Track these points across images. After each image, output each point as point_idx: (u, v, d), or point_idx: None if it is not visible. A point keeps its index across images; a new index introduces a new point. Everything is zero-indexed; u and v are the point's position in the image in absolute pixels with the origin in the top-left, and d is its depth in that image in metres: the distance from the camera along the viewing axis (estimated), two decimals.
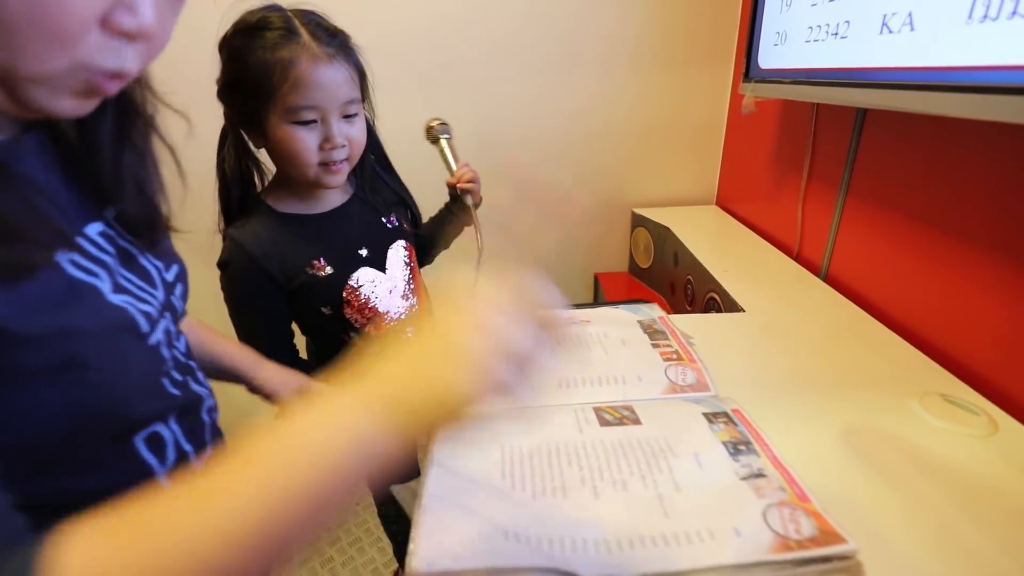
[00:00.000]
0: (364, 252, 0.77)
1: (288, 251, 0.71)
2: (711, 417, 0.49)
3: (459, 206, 0.88)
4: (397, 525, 1.10)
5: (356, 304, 0.77)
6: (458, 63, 1.26)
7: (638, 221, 1.36)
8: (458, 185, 0.84)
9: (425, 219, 0.93)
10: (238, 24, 0.66)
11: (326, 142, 0.67)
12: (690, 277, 1.05)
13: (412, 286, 0.86)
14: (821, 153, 0.92)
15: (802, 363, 0.67)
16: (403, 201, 0.86)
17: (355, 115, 0.69)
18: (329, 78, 0.65)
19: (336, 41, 0.67)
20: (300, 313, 0.77)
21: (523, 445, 0.46)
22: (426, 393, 0.28)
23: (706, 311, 0.96)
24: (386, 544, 1.46)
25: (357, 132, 0.70)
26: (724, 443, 0.46)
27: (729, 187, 1.33)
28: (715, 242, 1.12)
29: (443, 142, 0.87)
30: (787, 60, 0.80)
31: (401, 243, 0.83)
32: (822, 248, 0.91)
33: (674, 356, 0.62)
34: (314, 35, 0.65)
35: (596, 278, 1.47)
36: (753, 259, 1.02)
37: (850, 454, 0.51)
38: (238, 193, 0.73)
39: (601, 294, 1.42)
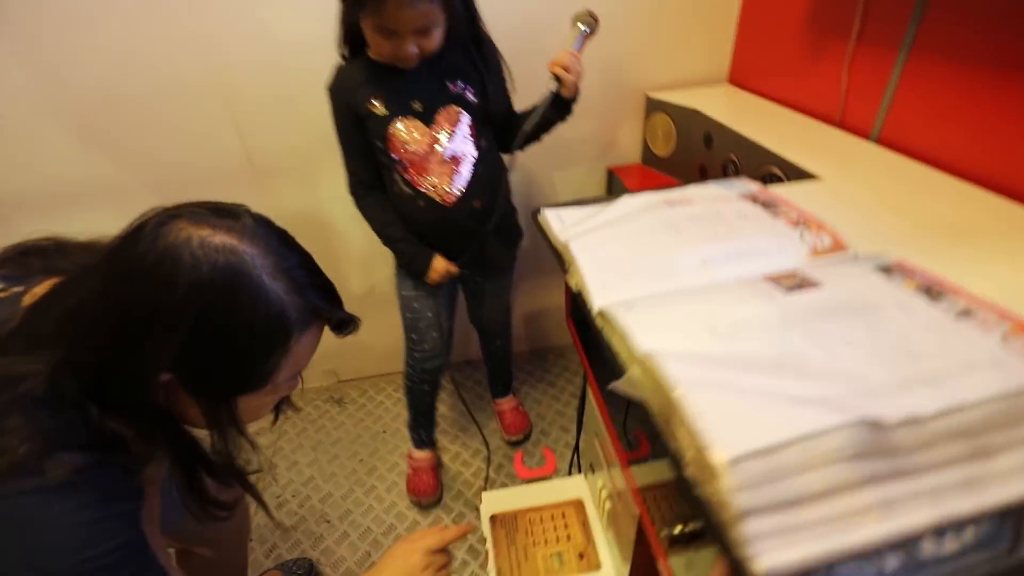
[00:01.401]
0: (417, 105, 0.93)
1: (359, 87, 0.92)
2: (885, 270, 0.50)
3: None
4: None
5: (397, 144, 0.94)
6: None
7: (654, 106, 1.31)
8: (550, 67, 0.85)
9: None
10: None
11: (399, 50, 0.85)
12: (733, 156, 1.04)
13: (474, 156, 0.97)
14: (875, 12, 0.89)
15: (913, 221, 0.67)
16: (481, 75, 0.95)
17: (430, 31, 0.84)
18: (407, 15, 0.80)
19: None
20: (368, 141, 0.96)
21: (726, 321, 0.45)
22: None
23: None
24: None
25: (430, 41, 0.86)
26: (915, 291, 0.47)
27: (746, 62, 1.29)
28: (746, 118, 1.10)
29: (576, 28, 0.91)
30: None
31: (459, 109, 0.95)
32: (873, 112, 0.92)
33: (799, 221, 0.62)
34: None
35: (610, 173, 1.43)
36: (794, 131, 1.01)
37: None
38: (350, 42, 0.93)
39: (620, 189, 1.39)
